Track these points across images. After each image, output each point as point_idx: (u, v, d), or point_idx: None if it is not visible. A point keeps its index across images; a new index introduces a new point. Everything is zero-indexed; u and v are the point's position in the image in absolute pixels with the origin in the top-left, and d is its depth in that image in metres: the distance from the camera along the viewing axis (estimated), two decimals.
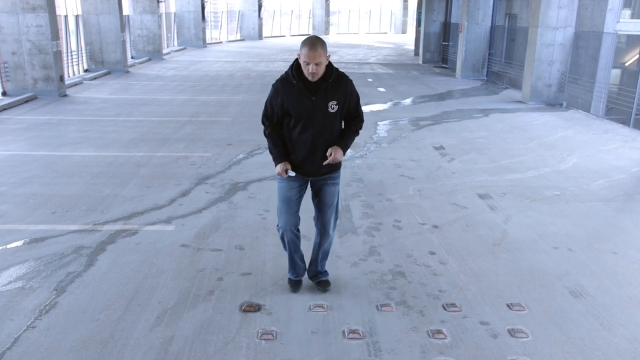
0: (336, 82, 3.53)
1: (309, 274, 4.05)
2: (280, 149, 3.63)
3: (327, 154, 3.58)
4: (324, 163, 3.59)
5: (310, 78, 3.45)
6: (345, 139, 3.66)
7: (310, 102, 3.50)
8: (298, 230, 3.84)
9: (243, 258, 4.50)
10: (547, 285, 4.15)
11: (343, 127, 3.73)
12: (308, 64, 3.38)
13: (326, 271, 4.06)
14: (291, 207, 3.72)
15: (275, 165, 3.64)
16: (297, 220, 3.79)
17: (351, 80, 3.65)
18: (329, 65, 3.52)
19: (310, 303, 3.82)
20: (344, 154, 3.66)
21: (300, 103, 3.49)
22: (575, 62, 12.24)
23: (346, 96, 3.58)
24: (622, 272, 4.41)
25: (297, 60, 3.53)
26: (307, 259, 4.07)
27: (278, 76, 3.63)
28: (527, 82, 12.50)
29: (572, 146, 8.49)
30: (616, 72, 12.70)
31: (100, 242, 4.76)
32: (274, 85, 3.58)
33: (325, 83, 3.49)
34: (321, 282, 3.99)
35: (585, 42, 12.08)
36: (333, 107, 3.52)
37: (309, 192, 3.84)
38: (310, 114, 3.51)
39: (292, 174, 3.61)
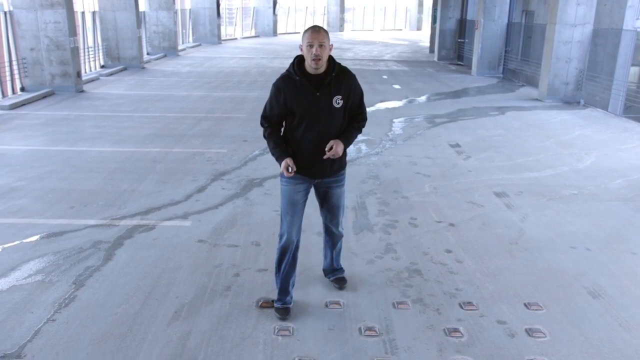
0: (339, 76, 3.41)
1: (325, 271, 4.05)
2: (282, 147, 3.46)
3: (327, 147, 3.39)
4: (324, 157, 3.42)
5: (314, 65, 3.31)
6: (346, 134, 3.51)
7: (315, 98, 3.37)
8: (298, 243, 3.63)
9: (259, 254, 4.52)
10: (565, 285, 4.11)
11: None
12: (312, 45, 3.25)
13: (342, 268, 4.06)
14: (297, 210, 3.56)
15: (280, 164, 3.44)
16: (300, 226, 3.61)
17: (354, 75, 3.53)
18: (332, 60, 3.40)
19: (326, 300, 3.82)
20: (345, 149, 3.50)
21: (304, 99, 3.36)
22: (593, 59, 12.09)
23: (350, 90, 3.45)
24: None
25: (297, 57, 3.43)
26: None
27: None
28: (544, 79, 12.38)
29: (590, 145, 8.40)
30: (634, 70, 12.54)
31: (117, 237, 4.81)
32: (274, 84, 3.43)
33: (328, 77, 3.37)
34: (338, 279, 3.99)
35: (603, 40, 11.93)
36: (338, 101, 3.40)
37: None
38: (315, 110, 3.38)
39: (293, 169, 3.43)
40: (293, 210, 3.55)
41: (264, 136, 3.55)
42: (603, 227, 5.25)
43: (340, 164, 3.59)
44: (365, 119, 3.64)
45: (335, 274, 4.01)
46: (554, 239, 4.96)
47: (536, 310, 3.76)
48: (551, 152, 7.90)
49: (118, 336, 3.37)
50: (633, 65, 12.19)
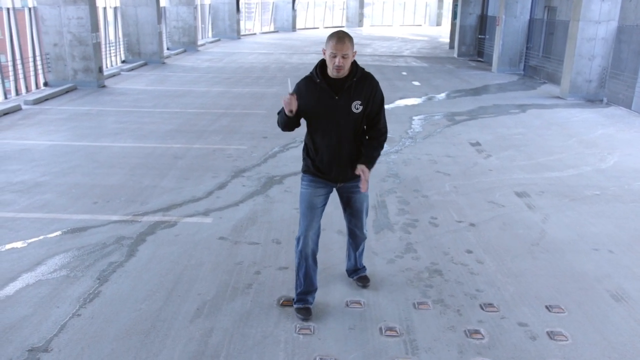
0: (361, 81, 3.36)
1: (348, 271, 4.07)
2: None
3: (357, 172, 3.41)
4: (356, 172, 3.42)
5: (335, 73, 3.28)
6: (367, 155, 3.45)
7: (334, 102, 3.34)
8: (316, 247, 3.61)
9: (280, 252, 4.55)
10: (587, 288, 4.08)
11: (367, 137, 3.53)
12: (335, 56, 3.21)
13: (365, 267, 4.08)
14: (315, 215, 3.54)
15: (285, 111, 3.37)
16: (318, 230, 3.60)
17: (377, 82, 3.46)
18: (354, 64, 3.35)
19: (347, 299, 3.84)
20: (371, 167, 3.45)
21: (323, 102, 3.34)
22: (617, 56, 11.90)
23: (370, 96, 3.38)
24: None
25: (321, 60, 3.41)
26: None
27: (311, 68, 3.52)
28: (566, 77, 12.22)
29: (613, 144, 8.28)
30: None
31: (140, 233, 4.87)
32: (297, 85, 3.44)
33: (349, 81, 3.33)
34: (361, 278, 4.02)
35: (628, 37, 11.73)
36: (357, 107, 3.34)
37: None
38: (333, 113, 3.34)
39: (295, 104, 3.33)
40: (311, 214, 3.54)
41: (277, 122, 3.53)
42: (626, 229, 5.18)
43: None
44: (384, 132, 3.52)
45: (358, 273, 4.03)
46: (576, 240, 4.91)
47: (558, 312, 3.73)
48: (573, 152, 7.81)
49: (142, 332, 3.43)
50: None
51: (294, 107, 3.32)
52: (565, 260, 4.51)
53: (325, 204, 3.62)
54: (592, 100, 11.96)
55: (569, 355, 3.28)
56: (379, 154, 3.53)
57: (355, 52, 3.35)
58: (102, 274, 4.13)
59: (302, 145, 3.75)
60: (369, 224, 5.03)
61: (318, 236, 3.62)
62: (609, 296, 3.97)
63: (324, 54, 3.33)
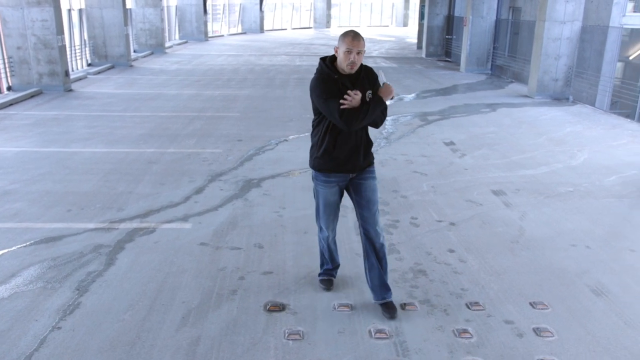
0: (367, 73, 3.57)
1: (374, 290, 3.70)
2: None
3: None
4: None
5: (349, 69, 3.43)
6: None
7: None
8: (335, 232, 3.92)
9: (263, 257, 4.50)
10: (569, 284, 4.15)
11: None
12: (350, 52, 3.37)
13: (390, 289, 3.71)
14: (333, 212, 3.77)
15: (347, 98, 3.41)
16: (335, 226, 3.88)
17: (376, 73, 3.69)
18: None
19: (334, 302, 3.82)
20: (373, 106, 3.46)
21: (343, 96, 3.42)
22: (581, 56, 12.21)
23: (375, 85, 3.58)
24: None
25: (328, 57, 3.54)
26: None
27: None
28: (533, 76, 12.47)
29: (582, 141, 8.48)
30: (619, 66, 12.68)
31: (118, 241, 4.76)
32: (318, 79, 3.48)
33: (360, 74, 3.52)
34: (387, 305, 3.66)
35: (590, 36, 12.05)
36: (369, 96, 3.51)
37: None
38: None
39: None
40: (329, 212, 3.76)
41: (338, 117, 3.41)
42: (601, 225, 5.30)
43: (371, 156, 3.72)
44: (385, 112, 3.60)
45: (384, 296, 3.68)
46: (554, 237, 5.00)
47: (542, 309, 3.79)
48: (544, 149, 7.96)
49: (127, 343, 3.34)
50: (619, 61, 12.35)
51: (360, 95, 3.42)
52: (545, 257, 4.59)
53: (341, 199, 3.78)
54: (559, 98, 12.24)
55: (556, 351, 3.33)
56: (379, 112, 3.51)
57: (364, 50, 3.50)
58: (81, 285, 4.02)
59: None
60: (349, 225, 5.04)
61: (335, 231, 3.91)
62: (589, 291, 4.05)
63: (336, 52, 3.46)
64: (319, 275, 4.06)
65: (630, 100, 11.49)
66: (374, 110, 3.47)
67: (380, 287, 3.68)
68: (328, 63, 3.52)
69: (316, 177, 3.69)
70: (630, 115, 11.02)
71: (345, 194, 3.79)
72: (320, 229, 3.87)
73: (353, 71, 3.46)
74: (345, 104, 3.38)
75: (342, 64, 3.43)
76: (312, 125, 3.70)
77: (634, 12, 13.04)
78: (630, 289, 4.10)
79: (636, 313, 3.77)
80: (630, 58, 13.96)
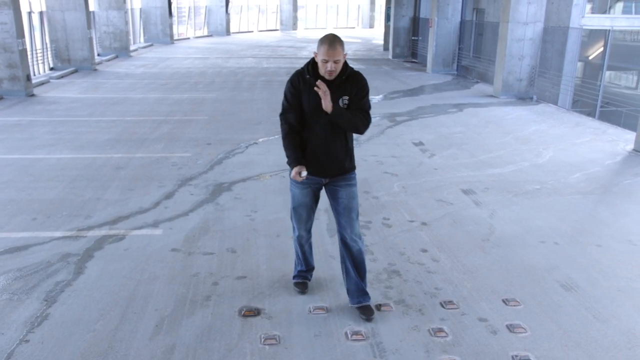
0: (349, 79, 3.47)
1: (350, 293, 3.70)
2: (297, 152, 3.50)
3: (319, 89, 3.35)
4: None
5: (327, 77, 3.38)
6: (346, 111, 3.45)
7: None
8: (311, 234, 3.89)
9: (236, 261, 4.45)
10: (539, 280, 4.23)
11: None
12: (326, 61, 3.31)
13: (368, 294, 3.70)
14: (306, 213, 3.72)
15: (291, 168, 3.54)
16: (310, 228, 3.83)
17: (365, 79, 3.57)
18: (345, 63, 3.46)
19: (309, 305, 3.80)
20: (335, 112, 3.38)
21: (314, 98, 3.41)
22: (544, 56, 12.50)
23: (357, 90, 3.49)
24: (608, 264, 4.53)
25: (312, 59, 3.48)
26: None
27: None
28: (498, 76, 12.70)
29: (547, 140, 8.67)
30: (579, 65, 13.05)
31: (86, 249, 4.64)
32: (289, 80, 3.52)
33: (338, 80, 3.43)
34: (364, 309, 3.65)
35: (552, 37, 12.35)
36: (344, 102, 3.45)
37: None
38: (322, 110, 3.41)
39: (304, 174, 3.48)
40: (301, 212, 3.72)
41: (282, 134, 3.58)
42: (567, 221, 5.42)
43: (350, 163, 3.62)
44: (367, 118, 3.53)
45: (360, 300, 3.68)
46: (523, 234, 5.09)
47: (514, 306, 3.85)
48: (511, 148, 8.11)
49: (99, 354, 3.25)
50: (579, 61, 12.70)
51: (304, 170, 3.47)
52: (515, 254, 4.67)
53: (316, 202, 3.73)
54: (523, 98, 12.49)
55: (530, 346, 3.38)
56: (349, 117, 3.45)
57: (346, 54, 3.42)
58: (49, 295, 3.90)
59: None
60: (322, 227, 5.04)
61: (311, 227, 3.85)
62: (559, 286, 4.14)
63: (316, 57, 3.40)
64: (294, 278, 4.03)
65: (590, 99, 11.83)
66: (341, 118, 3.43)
67: (357, 292, 3.68)
68: (310, 63, 3.48)
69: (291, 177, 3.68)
70: (591, 113, 11.34)
71: (327, 198, 3.75)
72: (293, 228, 3.85)
73: (332, 78, 3.39)
74: (320, 93, 3.35)
75: (321, 71, 3.39)
76: None
77: (592, 13, 13.45)
78: (598, 283, 4.21)
79: (604, 307, 3.86)
80: (590, 58, 14.39)
